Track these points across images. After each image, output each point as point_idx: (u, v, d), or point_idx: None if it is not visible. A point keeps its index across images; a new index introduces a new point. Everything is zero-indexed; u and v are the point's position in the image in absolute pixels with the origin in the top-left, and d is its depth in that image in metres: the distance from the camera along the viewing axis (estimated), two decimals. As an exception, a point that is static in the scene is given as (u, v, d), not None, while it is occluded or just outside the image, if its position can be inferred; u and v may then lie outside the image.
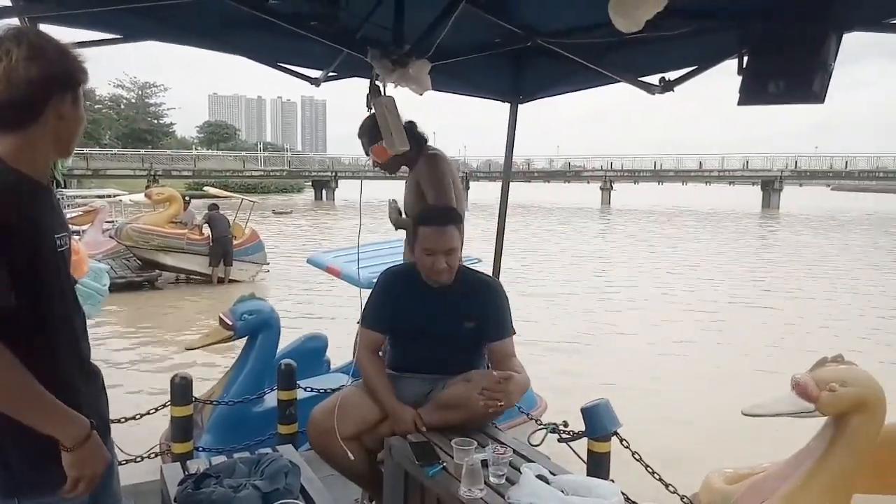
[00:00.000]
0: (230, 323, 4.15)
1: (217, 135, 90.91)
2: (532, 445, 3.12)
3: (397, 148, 2.11)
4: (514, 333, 2.53)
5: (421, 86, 1.91)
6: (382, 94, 2.03)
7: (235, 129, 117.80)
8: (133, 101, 69.96)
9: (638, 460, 2.72)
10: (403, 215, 3.22)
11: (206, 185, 18.58)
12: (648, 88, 2.45)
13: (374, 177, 42.44)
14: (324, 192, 49.64)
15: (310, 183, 53.15)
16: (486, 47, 2.47)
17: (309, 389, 3.75)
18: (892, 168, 45.55)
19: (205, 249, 11.89)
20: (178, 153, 51.57)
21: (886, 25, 1.82)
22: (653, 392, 6.64)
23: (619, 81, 2.61)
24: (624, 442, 2.71)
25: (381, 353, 2.67)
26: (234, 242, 12.05)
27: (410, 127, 2.72)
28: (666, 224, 30.47)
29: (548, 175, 53.91)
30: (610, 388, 6.51)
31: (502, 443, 2.30)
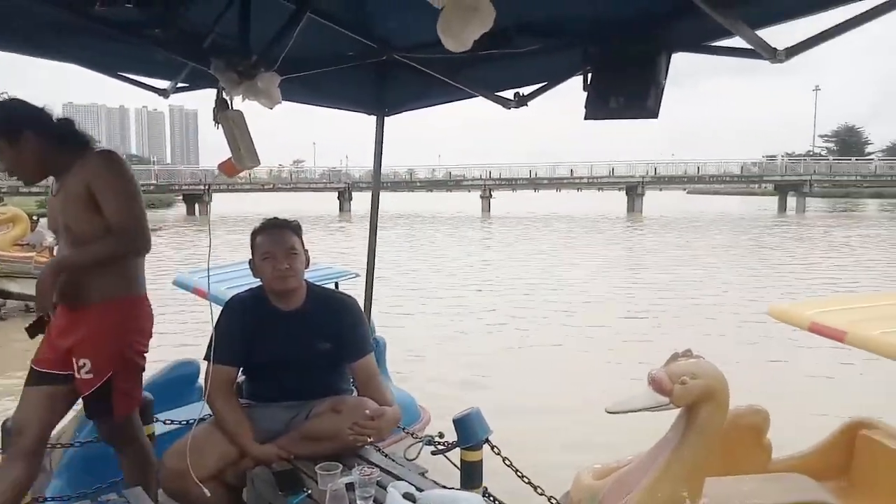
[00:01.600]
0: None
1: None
2: (408, 460, 3.12)
3: (246, 164, 2.02)
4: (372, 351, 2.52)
5: (270, 99, 1.84)
6: (230, 107, 1.93)
7: (96, 141, 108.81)
8: None
9: (508, 465, 2.77)
10: (50, 239, 2.96)
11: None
12: (504, 103, 2.53)
13: (250, 189, 40.63)
14: (197, 206, 47.09)
15: (181, 197, 50.30)
16: (340, 60, 2.43)
17: (168, 422, 3.49)
18: (736, 172, 50.62)
19: (58, 273, 10.82)
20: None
21: (705, 47, 1.99)
22: (533, 394, 6.87)
23: (476, 96, 2.67)
24: (495, 449, 2.76)
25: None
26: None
27: (66, 125, 2.38)
28: (543, 229, 31.83)
29: (430, 184, 54.64)
30: (498, 394, 6.71)
31: (371, 463, 2.26)
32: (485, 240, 27.04)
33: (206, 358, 2.46)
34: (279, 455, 2.32)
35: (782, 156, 66.80)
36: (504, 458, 2.76)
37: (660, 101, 1.99)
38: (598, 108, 2.16)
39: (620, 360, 8.11)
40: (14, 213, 11.70)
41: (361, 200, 54.63)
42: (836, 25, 1.55)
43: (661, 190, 68.43)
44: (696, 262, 18.57)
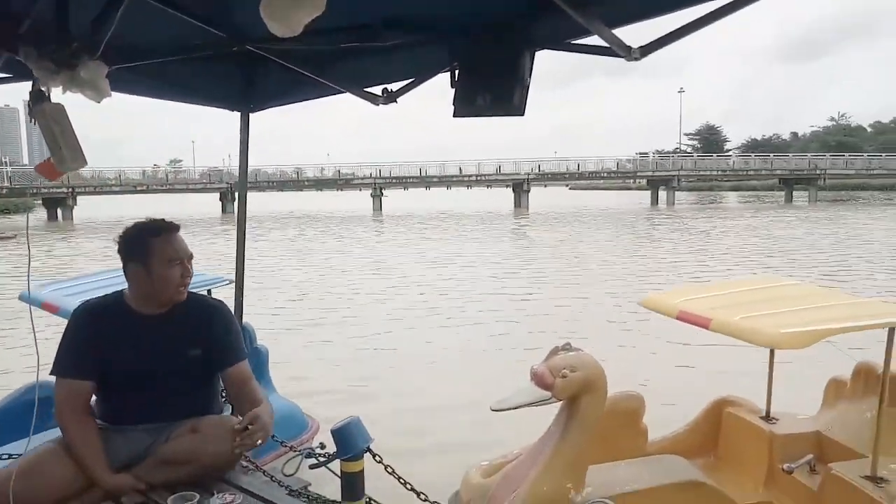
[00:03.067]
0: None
1: None
2: (286, 475, 2.95)
3: (69, 166, 1.78)
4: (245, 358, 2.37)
5: (97, 91, 1.62)
6: (47, 100, 1.69)
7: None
8: None
9: (390, 473, 2.69)
10: None
11: None
12: (372, 99, 2.43)
13: (121, 191, 38.08)
14: (59, 211, 43.23)
15: (41, 202, 45.97)
16: (187, 50, 2.22)
17: (5, 456, 3.08)
18: (613, 168, 53.68)
19: None
20: None
21: (567, 45, 1.99)
22: (422, 395, 6.83)
23: (343, 91, 2.55)
24: (377, 457, 2.66)
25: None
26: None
27: None
28: (434, 228, 32.08)
29: (319, 183, 53.49)
30: (387, 398, 6.60)
31: (237, 486, 2.09)
32: (376, 238, 26.83)
33: (53, 373, 2.20)
34: (134, 486, 2.10)
35: (653, 153, 71.70)
36: (386, 466, 2.67)
37: (525, 99, 1.98)
38: (465, 105, 2.12)
39: (506, 355, 8.27)
40: None
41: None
42: (685, 25, 1.59)
43: (545, 186, 71.20)
44: (577, 255, 19.44)
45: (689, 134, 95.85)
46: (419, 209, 47.66)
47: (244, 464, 3.32)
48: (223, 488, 2.05)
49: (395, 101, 2.40)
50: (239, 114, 3.19)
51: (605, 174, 54.77)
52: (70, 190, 43.34)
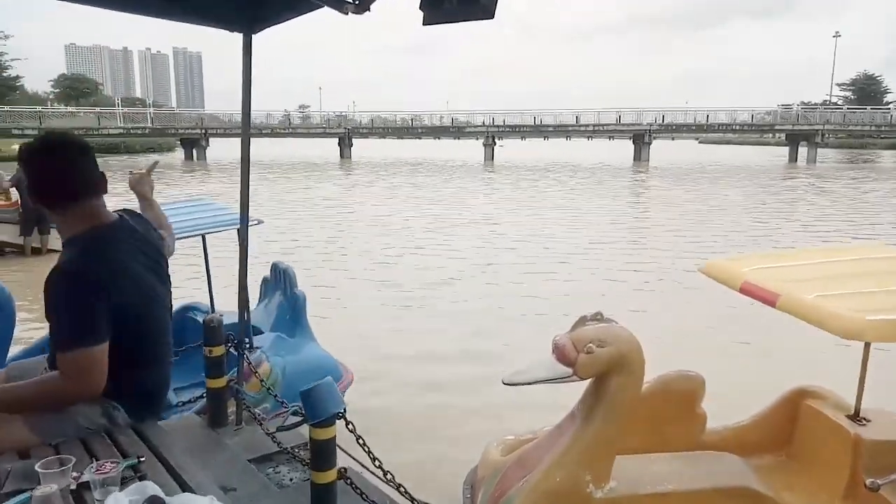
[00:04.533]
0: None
1: (75, 90, 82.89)
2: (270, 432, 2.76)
3: None
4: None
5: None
6: None
7: (97, 83, 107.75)
8: (-32, 50, 62.11)
9: (362, 446, 2.40)
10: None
11: (18, 144, 16.43)
12: (341, 7, 2.05)
13: (256, 134, 40.27)
14: (194, 151, 46.49)
15: (179, 142, 49.70)
16: None
17: None
18: (747, 120, 49.20)
19: (14, 217, 10.48)
20: (19, 109, 46.02)
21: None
22: (478, 350, 6.54)
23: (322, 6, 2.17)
24: (349, 425, 2.38)
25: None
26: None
27: None
28: (542, 178, 31.16)
29: (435, 131, 53.48)
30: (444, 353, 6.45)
31: (124, 454, 1.83)
32: (481, 188, 26.43)
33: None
34: None
35: (797, 105, 64.66)
36: (358, 438, 2.38)
37: (495, 2, 1.62)
38: (433, 10, 1.76)
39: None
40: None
41: (364, 147, 54.03)
42: None
43: (673, 139, 67.03)
44: (685, 212, 18.01)
45: (843, 84, 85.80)
46: (531, 159, 46.52)
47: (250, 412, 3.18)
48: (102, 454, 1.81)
49: (369, 10, 2.02)
50: (241, 35, 2.91)
51: (738, 127, 50.28)
52: (203, 131, 46.36)
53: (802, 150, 47.53)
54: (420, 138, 56.97)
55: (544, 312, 7.77)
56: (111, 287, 1.95)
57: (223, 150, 47.74)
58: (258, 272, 4.60)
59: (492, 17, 1.60)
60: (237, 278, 3.36)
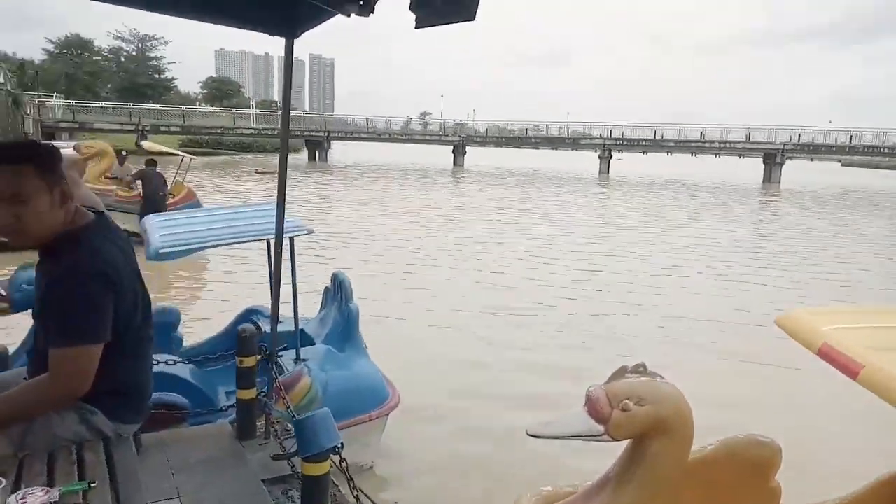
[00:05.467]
0: (4, 294, 3.62)
1: (220, 91, 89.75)
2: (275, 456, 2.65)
3: None
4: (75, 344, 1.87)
5: None
6: None
7: (239, 85, 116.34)
8: (133, 53, 69.14)
9: (352, 489, 2.22)
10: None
11: (143, 141, 17.89)
12: (342, 9, 1.93)
13: (367, 138, 41.91)
14: (317, 153, 48.82)
15: (305, 143, 52.40)
16: None
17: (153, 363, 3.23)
18: (897, 144, 44.31)
19: (136, 208, 11.34)
20: (168, 108, 50.55)
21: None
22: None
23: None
24: (343, 463, 2.21)
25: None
26: (169, 201, 11.52)
27: None
28: (654, 197, 29.74)
29: (552, 141, 52.72)
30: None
31: (82, 475, 1.73)
32: (587, 203, 25.62)
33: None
34: None
35: (964, 127, 57.39)
36: (350, 480, 2.20)
37: (476, 5, 1.48)
38: (422, 13, 1.64)
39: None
40: (101, 148, 12.37)
41: (479, 155, 54.34)
42: None
43: (811, 160, 61.86)
44: (810, 245, 16.35)
45: None
46: (650, 174, 44.62)
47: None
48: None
49: (373, 11, 1.89)
50: (284, 39, 2.86)
51: (887, 150, 45.33)
52: (326, 134, 48.60)
53: (966, 179, 42.06)
54: (537, 148, 56.35)
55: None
56: (119, 285, 1.92)
57: (346, 153, 49.81)
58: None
59: (472, 18, 1.47)
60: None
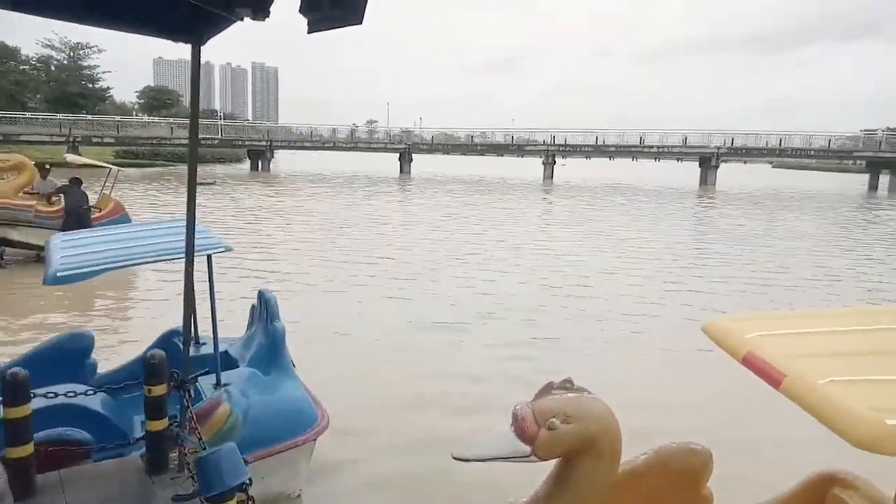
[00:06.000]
0: None
1: (158, 101, 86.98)
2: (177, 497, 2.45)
3: None
4: None
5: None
6: None
7: (178, 95, 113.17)
8: (64, 62, 66.41)
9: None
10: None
11: (67, 154, 17.07)
12: (233, 13, 1.79)
13: (311, 147, 41.14)
14: (260, 162, 47.80)
15: (247, 153, 51.24)
16: None
17: (51, 395, 2.95)
18: (823, 146, 46.59)
19: (57, 223, 10.76)
20: (101, 118, 48.62)
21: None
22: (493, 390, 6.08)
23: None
24: (250, 501, 2.04)
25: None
26: (95, 215, 10.97)
27: None
28: (593, 201, 30.30)
29: (497, 148, 53.16)
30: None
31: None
32: (528, 208, 25.88)
33: None
34: None
35: (883, 130, 61.05)
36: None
37: (364, 8, 1.38)
38: (312, 18, 1.53)
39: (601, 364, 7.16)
40: (19, 161, 11.68)
41: (426, 163, 54.27)
42: None
43: (744, 163, 64.43)
44: (733, 244, 16.93)
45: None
46: (593, 179, 45.52)
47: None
48: None
49: (268, 15, 1.77)
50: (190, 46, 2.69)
51: (814, 152, 47.65)
52: (268, 143, 47.65)
53: (884, 179, 44.61)
54: (483, 155, 56.70)
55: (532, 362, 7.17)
56: None
57: (290, 162, 48.81)
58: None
59: (360, 21, 1.38)
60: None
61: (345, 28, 1.47)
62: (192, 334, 4.53)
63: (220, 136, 48.51)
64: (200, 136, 48.65)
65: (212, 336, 4.07)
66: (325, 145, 50.26)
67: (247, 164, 50.93)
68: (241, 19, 1.83)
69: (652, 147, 48.60)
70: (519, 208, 24.83)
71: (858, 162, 57.18)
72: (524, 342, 7.61)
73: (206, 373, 3.64)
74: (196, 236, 4.12)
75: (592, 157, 62.69)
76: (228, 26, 2.52)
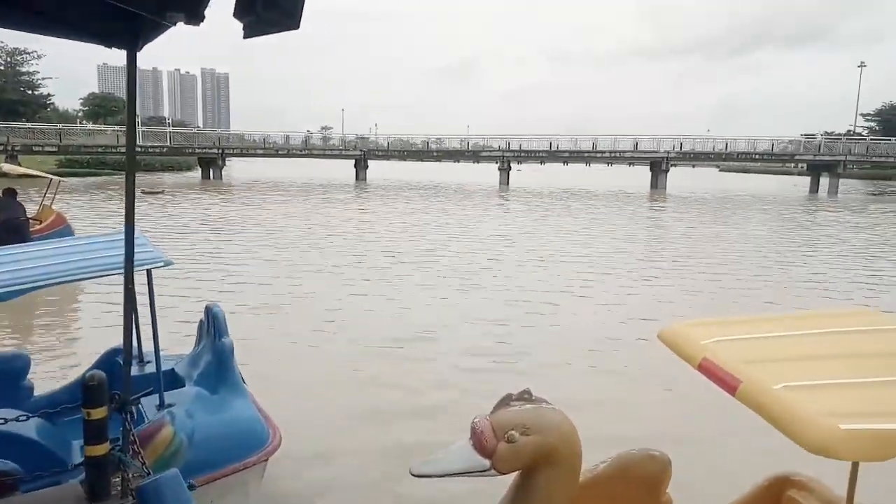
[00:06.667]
0: None
1: (103, 108, 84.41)
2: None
3: None
4: None
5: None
6: None
7: (125, 101, 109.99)
8: (1, 68, 63.92)
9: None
10: None
11: (3, 163, 16.37)
12: (164, 17, 1.70)
13: (264, 154, 40.61)
14: (211, 170, 46.71)
15: (198, 161, 50.03)
16: None
17: None
18: (766, 149, 48.33)
19: (-13, 235, 10.24)
20: (42, 126, 46.76)
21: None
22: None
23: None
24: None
25: None
26: (35, 228, 10.49)
27: None
28: (553, 205, 30.65)
29: (450, 154, 53.27)
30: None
31: None
32: (492, 211, 26.00)
33: None
34: None
35: (821, 134, 63.79)
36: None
37: (300, 11, 1.33)
38: (246, 22, 1.45)
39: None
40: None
41: (382, 169, 53.96)
42: None
43: (693, 167, 66.36)
44: (681, 247, 17.38)
45: (868, 115, 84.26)
46: (547, 185, 46.06)
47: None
48: None
49: (203, 19, 1.69)
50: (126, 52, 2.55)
51: (758, 156, 49.39)
52: (220, 151, 46.66)
53: (824, 181, 46.51)
54: (440, 161, 56.83)
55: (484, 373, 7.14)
56: None
57: (242, 170, 47.90)
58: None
59: (297, 26, 1.33)
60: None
61: (283, 33, 1.40)
62: (137, 353, 4.33)
63: (168, 143, 47.27)
64: (149, 144, 47.47)
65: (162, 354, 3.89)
66: (279, 152, 49.54)
67: (198, 173, 49.75)
68: (175, 24, 1.74)
69: (604, 152, 49.53)
70: (476, 215, 24.92)
71: (800, 165, 59.53)
72: (488, 351, 7.58)
73: (150, 393, 3.47)
74: (136, 250, 3.94)
75: (546, 163, 63.66)
76: (164, 31, 2.41)
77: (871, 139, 55.22)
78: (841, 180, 46.83)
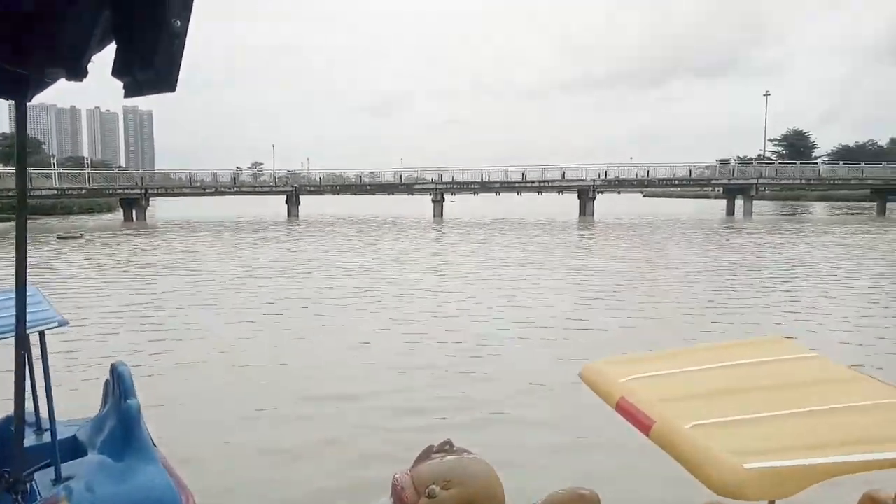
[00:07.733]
0: None
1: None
2: None
3: None
4: None
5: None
6: None
7: (40, 142, 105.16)
8: None
9: None
10: None
11: None
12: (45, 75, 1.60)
13: (191, 192, 39.21)
14: (134, 211, 44.95)
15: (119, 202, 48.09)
16: None
17: None
18: (685, 175, 50.81)
19: None
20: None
21: None
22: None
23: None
24: None
25: None
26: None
27: None
28: (485, 238, 31.01)
29: (383, 188, 53.30)
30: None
31: None
32: (419, 247, 26.04)
33: None
34: None
35: (734, 159, 67.82)
36: None
37: (176, 76, 1.26)
38: (123, 83, 1.40)
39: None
40: None
41: (315, 204, 53.28)
42: None
43: (619, 193, 68.84)
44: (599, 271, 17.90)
45: (774, 140, 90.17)
46: (481, 216, 46.68)
47: None
48: None
49: (86, 75, 1.59)
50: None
51: (678, 181, 51.90)
52: (143, 191, 45.04)
53: (739, 203, 49.20)
54: (373, 194, 56.79)
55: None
56: None
57: (168, 210, 46.30)
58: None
59: (173, 89, 1.25)
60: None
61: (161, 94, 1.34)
62: (34, 420, 4.00)
63: (87, 184, 45.26)
64: (66, 185, 45.11)
65: (60, 419, 3.59)
66: (207, 191, 48.25)
67: (120, 214, 47.75)
68: (55, 80, 1.63)
69: (534, 182, 50.85)
70: (411, 248, 24.87)
71: (717, 188, 62.85)
72: (423, 392, 7.45)
73: (45, 466, 3.19)
74: (28, 308, 3.65)
75: (479, 193, 64.78)
76: (50, 85, 2.28)
77: (780, 163, 59.03)
78: (755, 202, 49.68)
